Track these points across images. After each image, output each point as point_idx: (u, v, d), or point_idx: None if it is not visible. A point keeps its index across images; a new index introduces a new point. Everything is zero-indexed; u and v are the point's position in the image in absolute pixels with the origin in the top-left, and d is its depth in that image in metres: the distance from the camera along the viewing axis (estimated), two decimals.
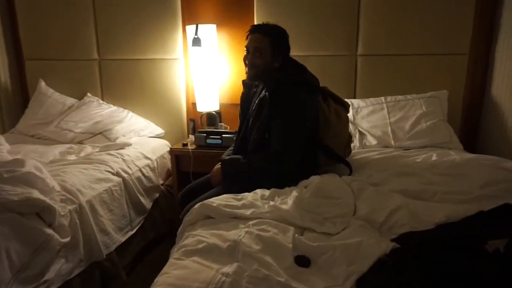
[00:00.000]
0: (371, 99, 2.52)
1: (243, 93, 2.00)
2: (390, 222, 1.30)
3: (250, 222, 1.29)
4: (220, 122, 2.73)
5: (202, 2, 2.75)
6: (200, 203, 1.43)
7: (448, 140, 2.28)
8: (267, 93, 1.70)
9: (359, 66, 2.60)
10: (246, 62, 1.85)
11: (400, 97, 2.49)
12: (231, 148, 2.08)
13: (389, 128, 2.35)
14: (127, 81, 2.91)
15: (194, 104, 2.85)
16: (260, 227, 1.25)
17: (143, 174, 2.42)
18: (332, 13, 2.56)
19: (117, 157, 2.31)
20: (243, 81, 2.00)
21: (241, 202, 1.41)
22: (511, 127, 2.16)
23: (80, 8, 2.87)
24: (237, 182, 1.75)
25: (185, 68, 2.83)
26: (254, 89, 1.93)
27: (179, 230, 1.45)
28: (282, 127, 1.68)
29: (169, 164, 2.72)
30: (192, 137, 2.63)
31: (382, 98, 2.51)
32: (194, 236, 1.24)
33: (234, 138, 2.40)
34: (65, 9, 2.90)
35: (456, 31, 2.44)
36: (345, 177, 1.66)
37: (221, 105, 2.78)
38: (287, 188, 1.57)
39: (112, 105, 2.88)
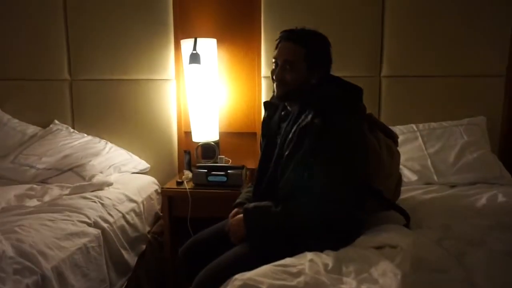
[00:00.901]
0: (400, 126, 2.17)
1: (265, 118, 1.57)
2: None
3: None
4: (220, 154, 2.28)
5: (199, 13, 2.32)
6: (239, 282, 0.94)
7: (498, 175, 1.95)
8: (315, 119, 1.27)
9: (384, 89, 2.26)
10: (274, 77, 1.43)
11: (434, 124, 2.16)
12: (248, 190, 1.62)
13: (429, 161, 2.00)
14: (105, 106, 2.42)
15: (187, 133, 2.38)
16: None
17: (127, 221, 1.90)
18: (352, 29, 2.22)
19: (95, 202, 1.78)
20: (267, 102, 1.58)
21: (301, 280, 0.94)
22: None
23: (48, 17, 2.38)
24: (271, 239, 1.29)
25: (177, 90, 2.37)
26: (283, 113, 1.50)
27: None
28: (333, 164, 1.26)
29: (157, 207, 2.21)
30: (187, 173, 2.14)
31: (413, 125, 2.17)
32: None
33: (243, 174, 1.99)
34: (29, 18, 2.40)
35: (491, 50, 2.16)
36: (426, 232, 1.23)
37: (220, 134, 2.33)
38: (347, 251, 1.12)
39: (85, 135, 2.37)
